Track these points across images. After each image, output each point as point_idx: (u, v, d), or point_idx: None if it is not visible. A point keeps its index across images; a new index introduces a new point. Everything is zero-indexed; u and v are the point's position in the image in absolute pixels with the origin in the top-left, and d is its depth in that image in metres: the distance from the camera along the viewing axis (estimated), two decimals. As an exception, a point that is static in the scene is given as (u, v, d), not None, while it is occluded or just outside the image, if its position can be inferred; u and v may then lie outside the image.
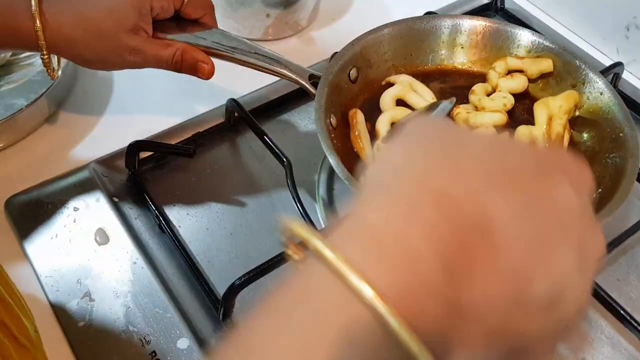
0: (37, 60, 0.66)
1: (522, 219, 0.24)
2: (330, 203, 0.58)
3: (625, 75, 0.72)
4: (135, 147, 0.57)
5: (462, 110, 0.57)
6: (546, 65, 0.60)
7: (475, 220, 0.23)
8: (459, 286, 0.22)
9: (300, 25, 0.76)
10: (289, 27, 0.75)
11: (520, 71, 0.61)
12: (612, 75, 0.69)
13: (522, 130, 0.56)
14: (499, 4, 0.79)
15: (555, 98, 0.57)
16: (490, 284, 0.23)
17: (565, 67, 0.59)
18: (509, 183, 0.24)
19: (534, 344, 0.25)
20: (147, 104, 0.66)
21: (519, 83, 0.59)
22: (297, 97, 0.65)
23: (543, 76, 0.61)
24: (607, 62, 0.75)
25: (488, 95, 0.59)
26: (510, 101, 0.57)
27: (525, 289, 0.23)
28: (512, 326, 0.24)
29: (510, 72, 0.60)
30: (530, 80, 0.61)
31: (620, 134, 0.54)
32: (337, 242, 0.23)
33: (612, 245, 0.54)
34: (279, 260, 0.49)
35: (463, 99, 0.60)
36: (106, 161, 0.59)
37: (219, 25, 0.57)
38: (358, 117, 0.57)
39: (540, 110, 0.56)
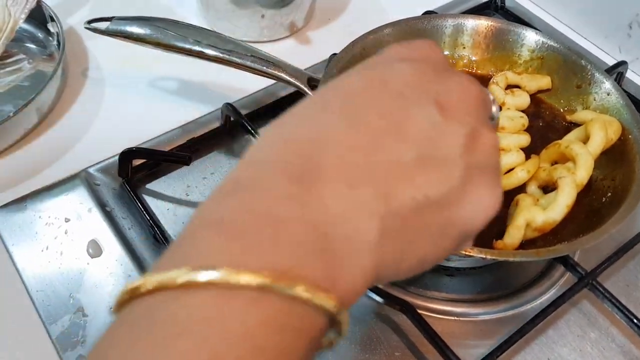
0: (24, 65, 0.63)
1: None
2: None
3: (628, 74, 0.71)
4: (128, 154, 0.55)
5: None
6: (545, 82, 0.58)
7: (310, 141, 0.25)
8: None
9: (296, 26, 0.74)
10: (285, 28, 0.73)
11: (518, 86, 0.59)
12: (615, 74, 0.67)
13: (577, 148, 0.50)
14: (498, 2, 0.77)
15: (610, 123, 0.53)
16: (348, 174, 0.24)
17: (570, 67, 0.58)
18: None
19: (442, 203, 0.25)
20: (140, 109, 0.64)
21: (524, 100, 0.57)
22: (294, 100, 0.63)
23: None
24: (609, 61, 0.73)
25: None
26: (526, 120, 0.55)
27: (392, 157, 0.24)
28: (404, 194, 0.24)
29: (509, 86, 0.59)
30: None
31: (630, 136, 0.52)
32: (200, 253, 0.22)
33: (621, 250, 0.53)
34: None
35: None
36: (98, 169, 0.57)
37: (213, 27, 0.55)
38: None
39: (597, 130, 0.52)
